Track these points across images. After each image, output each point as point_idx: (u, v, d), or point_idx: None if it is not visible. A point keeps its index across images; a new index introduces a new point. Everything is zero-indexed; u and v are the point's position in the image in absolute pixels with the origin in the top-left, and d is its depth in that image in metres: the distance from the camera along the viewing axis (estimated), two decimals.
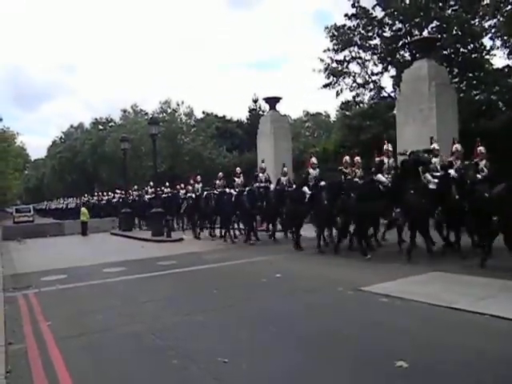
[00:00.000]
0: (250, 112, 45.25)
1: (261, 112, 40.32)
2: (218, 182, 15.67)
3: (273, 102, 24.83)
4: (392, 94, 24.04)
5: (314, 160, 11.93)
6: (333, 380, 3.71)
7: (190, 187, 17.88)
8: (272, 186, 13.25)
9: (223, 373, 3.89)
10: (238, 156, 39.70)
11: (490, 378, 3.53)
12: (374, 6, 23.10)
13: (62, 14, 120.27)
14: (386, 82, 49.52)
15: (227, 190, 14.67)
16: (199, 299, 6.70)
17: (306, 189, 11.24)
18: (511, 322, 4.66)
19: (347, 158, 11.23)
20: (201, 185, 16.87)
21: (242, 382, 3.77)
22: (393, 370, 3.70)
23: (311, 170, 11.70)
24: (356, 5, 23.41)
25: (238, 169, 14.97)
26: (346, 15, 23.86)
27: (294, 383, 3.72)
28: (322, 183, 10.77)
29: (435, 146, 9.95)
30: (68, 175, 59.21)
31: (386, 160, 10.17)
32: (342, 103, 26.91)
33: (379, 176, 9.40)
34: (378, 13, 23.24)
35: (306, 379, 3.74)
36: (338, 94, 25.37)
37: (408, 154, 9.04)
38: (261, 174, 13.92)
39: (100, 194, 33.86)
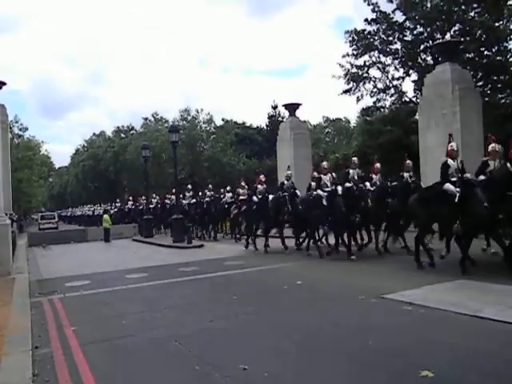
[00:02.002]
0: (269, 118, 45.49)
1: (280, 118, 40.46)
2: (286, 182, 13.23)
3: (292, 108, 24.83)
4: (413, 99, 23.77)
5: (454, 146, 8.71)
6: None
7: (241, 190, 16.59)
8: (368, 185, 11.04)
9: (246, 380, 3.87)
10: (258, 162, 39.87)
11: None
12: (394, 10, 22.96)
13: (90, 28, 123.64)
14: (408, 86, 49.00)
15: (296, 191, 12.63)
16: (221, 306, 6.70)
17: (448, 186, 8.09)
18: None
19: (495, 145, 8.57)
20: (265, 186, 14.27)
21: None
22: (418, 380, 3.62)
23: (450, 161, 8.58)
24: (376, 9, 23.31)
25: (324, 163, 12.18)
26: (365, 20, 23.78)
27: None
28: (482, 177, 8.36)
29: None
30: (91, 183, 60.41)
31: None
32: (363, 109, 26.80)
33: None
34: (399, 17, 23.09)
35: None
36: (358, 100, 25.25)
37: None
38: (352, 170, 11.39)
39: (132, 199, 31.61)
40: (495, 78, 21.51)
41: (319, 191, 11.29)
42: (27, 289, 8.63)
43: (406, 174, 11.01)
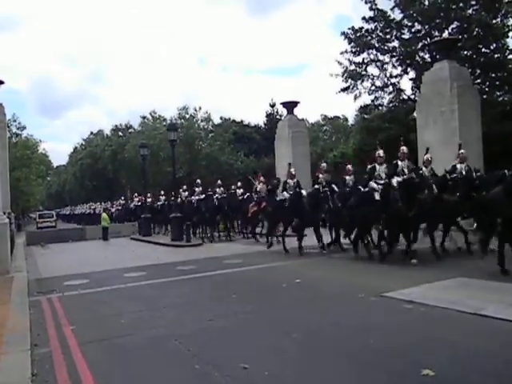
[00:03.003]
0: (267, 117, 45.40)
1: (278, 117, 40.40)
2: (321, 175, 12.20)
3: (290, 106, 24.79)
4: (412, 97, 23.76)
5: None
6: None
7: (261, 184, 15.47)
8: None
9: (246, 379, 3.86)
10: (256, 161, 39.81)
11: None
12: (393, 8, 22.94)
13: (89, 27, 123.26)
14: (406, 84, 48.93)
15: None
16: (220, 304, 6.69)
17: None
18: None
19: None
20: (295, 180, 12.52)
21: None
22: (419, 379, 3.61)
23: None
24: (374, 7, 23.28)
25: (380, 151, 10.19)
26: (363, 18, 23.75)
27: None
28: None
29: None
30: (89, 181, 60.25)
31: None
32: (361, 107, 26.75)
33: None
34: (397, 15, 23.08)
35: None
36: (356, 98, 25.22)
37: None
38: (400, 162, 9.70)
39: (137, 196, 29.40)
40: (493, 75, 21.52)
41: (372, 183, 9.70)
42: (26, 288, 8.59)
43: (459, 166, 9.90)
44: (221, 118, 49.04)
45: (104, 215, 23.58)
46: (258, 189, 15.74)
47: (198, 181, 19.03)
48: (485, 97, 19.38)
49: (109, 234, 22.07)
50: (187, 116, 45.17)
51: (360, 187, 10.54)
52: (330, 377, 3.85)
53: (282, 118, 28.69)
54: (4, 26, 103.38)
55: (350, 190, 11.30)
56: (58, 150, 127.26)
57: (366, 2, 23.29)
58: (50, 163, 56.67)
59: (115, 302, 7.32)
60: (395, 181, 9.09)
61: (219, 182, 18.67)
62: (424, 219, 9.17)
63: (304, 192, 11.52)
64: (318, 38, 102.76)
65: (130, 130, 57.17)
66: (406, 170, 9.41)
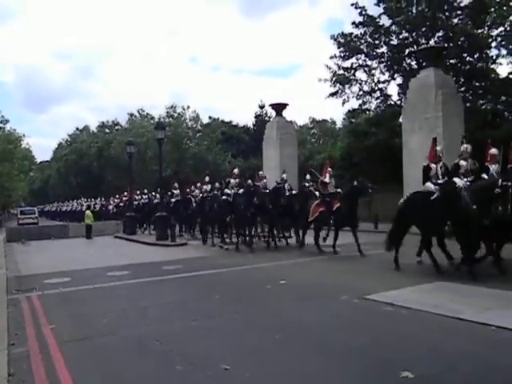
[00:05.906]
0: (256, 118, 45.51)
1: (267, 118, 40.51)
2: (493, 166, 8.37)
3: (279, 108, 24.90)
4: (398, 102, 24.09)
5: None
6: None
7: (328, 179, 11.99)
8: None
9: (228, 380, 3.86)
10: (244, 162, 39.82)
11: None
12: (381, 14, 23.24)
13: (81, 22, 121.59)
14: (393, 90, 49.59)
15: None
16: (204, 304, 6.67)
17: None
18: None
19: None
20: (442, 164, 9.09)
21: None
22: (398, 381, 3.66)
23: None
24: (363, 13, 23.55)
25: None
26: (353, 23, 24.02)
27: None
28: None
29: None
30: (73, 178, 59.37)
31: None
32: (349, 111, 27.07)
33: None
34: (385, 21, 23.40)
35: None
36: (344, 103, 25.46)
37: None
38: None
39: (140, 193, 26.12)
40: (477, 84, 21.98)
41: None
42: (4, 285, 8.40)
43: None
44: (209, 118, 49.05)
45: (88, 213, 23.26)
46: (325, 183, 12.09)
47: (235, 170, 14.88)
48: (468, 105, 19.76)
49: (92, 232, 21.80)
50: (175, 115, 44.97)
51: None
52: (310, 378, 3.87)
53: (271, 119, 28.77)
54: None
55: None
56: (43, 145, 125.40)
57: (356, 8, 23.57)
58: (33, 158, 55.73)
59: (97, 301, 7.23)
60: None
61: (261, 172, 14.69)
62: None
63: (459, 182, 8.01)
64: (310, 41, 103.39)
65: (116, 127, 56.58)
66: None
